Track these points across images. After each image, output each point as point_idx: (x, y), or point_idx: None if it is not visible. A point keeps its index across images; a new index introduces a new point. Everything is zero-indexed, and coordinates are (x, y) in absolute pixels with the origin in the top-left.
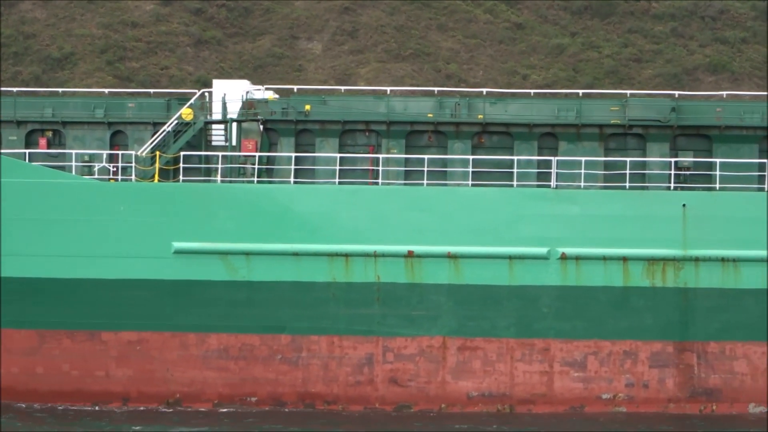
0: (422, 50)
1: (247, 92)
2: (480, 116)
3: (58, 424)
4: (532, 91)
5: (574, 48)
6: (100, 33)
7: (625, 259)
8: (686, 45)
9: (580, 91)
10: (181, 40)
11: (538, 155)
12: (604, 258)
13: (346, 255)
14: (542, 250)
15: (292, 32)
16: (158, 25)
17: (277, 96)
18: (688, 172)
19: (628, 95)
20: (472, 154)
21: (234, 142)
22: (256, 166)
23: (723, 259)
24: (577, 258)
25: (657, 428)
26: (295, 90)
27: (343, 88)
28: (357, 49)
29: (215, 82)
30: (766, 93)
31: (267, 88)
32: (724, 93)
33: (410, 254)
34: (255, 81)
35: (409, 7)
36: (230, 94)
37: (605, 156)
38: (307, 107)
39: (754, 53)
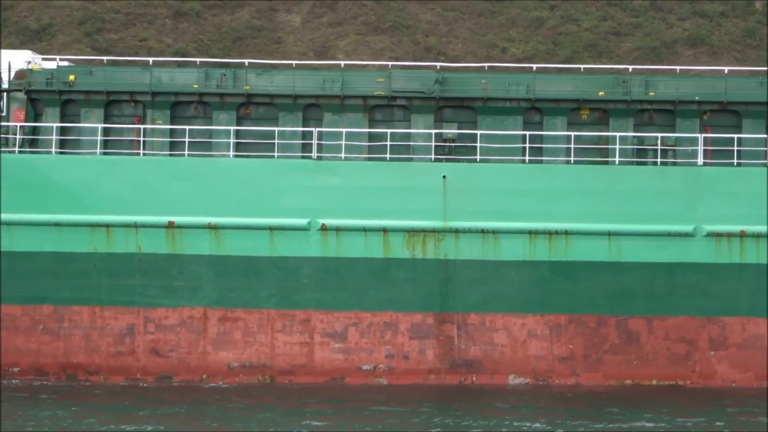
0: (401, 23)
1: (29, 62)
2: (246, 87)
3: None
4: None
5: (553, 21)
6: (79, 4)
7: (385, 230)
8: (665, 18)
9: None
10: (159, 12)
11: (304, 126)
12: (365, 229)
13: (107, 225)
14: (302, 222)
15: (270, 4)
16: None
17: (42, 66)
18: (453, 144)
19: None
20: (238, 125)
21: (5, 113)
22: (18, 137)
23: (483, 231)
24: (338, 229)
25: (417, 399)
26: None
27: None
28: (336, 21)
29: (2, 52)
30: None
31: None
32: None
33: (171, 225)
34: (234, 53)
35: None
36: (14, 63)
37: (370, 127)
38: (72, 77)
39: (733, 27)
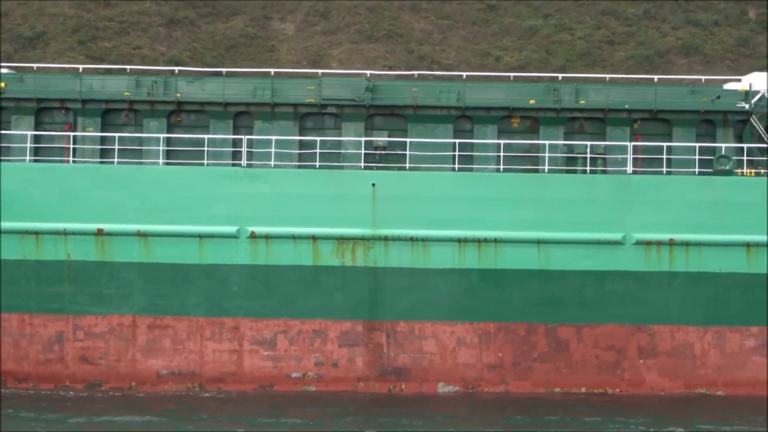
0: (395, 31)
1: None
2: (177, 95)
3: None
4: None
5: (547, 30)
6: (72, 12)
7: (314, 238)
8: (659, 27)
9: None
10: (153, 20)
11: (235, 134)
12: (294, 237)
13: (36, 233)
14: (232, 229)
15: (264, 12)
16: (131, 4)
17: None
18: (383, 152)
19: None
20: (170, 133)
21: None
22: None
23: (412, 239)
24: (267, 237)
25: (345, 407)
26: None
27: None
28: (330, 29)
29: None
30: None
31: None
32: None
33: (100, 232)
34: (228, 62)
35: None
36: None
37: (301, 135)
38: (2, 84)
39: (726, 36)
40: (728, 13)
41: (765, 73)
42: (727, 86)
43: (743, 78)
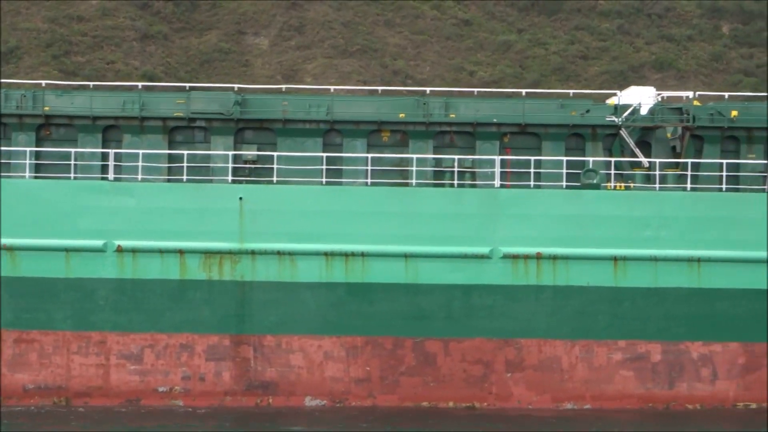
0: (369, 46)
1: None
2: (46, 108)
3: None
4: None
5: (521, 45)
6: (46, 27)
7: (181, 252)
8: (632, 42)
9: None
10: (127, 35)
11: (104, 147)
12: (161, 251)
13: None
14: (98, 243)
15: (239, 27)
16: (104, 19)
17: None
18: (253, 166)
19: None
20: (39, 146)
21: None
22: None
23: (279, 253)
24: (134, 251)
25: (212, 421)
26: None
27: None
28: (304, 44)
29: None
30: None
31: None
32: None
33: None
34: (202, 76)
35: (357, 2)
36: None
37: (170, 149)
38: None
39: (700, 51)
40: (702, 29)
41: (642, 88)
42: (609, 100)
43: (621, 93)
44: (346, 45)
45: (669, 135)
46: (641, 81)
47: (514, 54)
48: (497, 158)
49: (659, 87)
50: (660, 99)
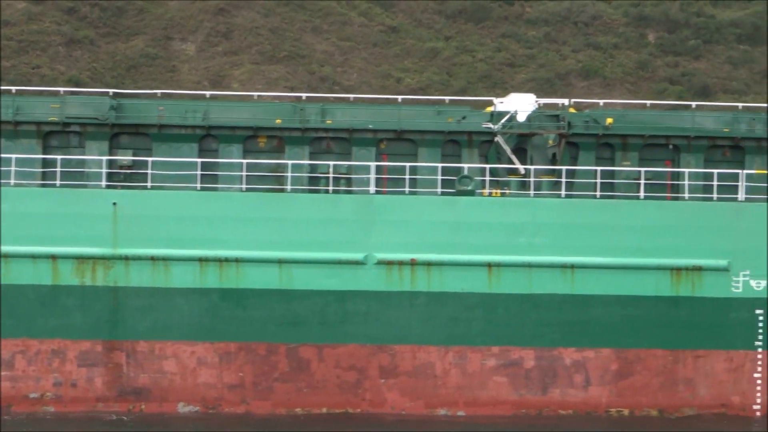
0: (297, 52)
1: None
2: None
3: None
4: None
5: (448, 52)
6: None
7: (54, 257)
8: (559, 50)
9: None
10: (53, 39)
11: None
12: (33, 256)
13: None
14: None
15: (165, 32)
16: (30, 23)
17: None
18: (128, 171)
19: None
20: None
21: None
22: None
23: (153, 258)
24: (5, 256)
25: (83, 428)
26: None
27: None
28: (231, 50)
29: None
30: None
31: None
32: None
33: None
34: (128, 82)
35: (284, 8)
36: None
37: (45, 153)
38: None
39: (626, 59)
40: (628, 37)
41: (522, 95)
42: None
43: (501, 99)
44: (274, 51)
45: (551, 142)
46: (567, 89)
47: (442, 61)
48: (372, 164)
49: (586, 95)
50: (538, 106)
